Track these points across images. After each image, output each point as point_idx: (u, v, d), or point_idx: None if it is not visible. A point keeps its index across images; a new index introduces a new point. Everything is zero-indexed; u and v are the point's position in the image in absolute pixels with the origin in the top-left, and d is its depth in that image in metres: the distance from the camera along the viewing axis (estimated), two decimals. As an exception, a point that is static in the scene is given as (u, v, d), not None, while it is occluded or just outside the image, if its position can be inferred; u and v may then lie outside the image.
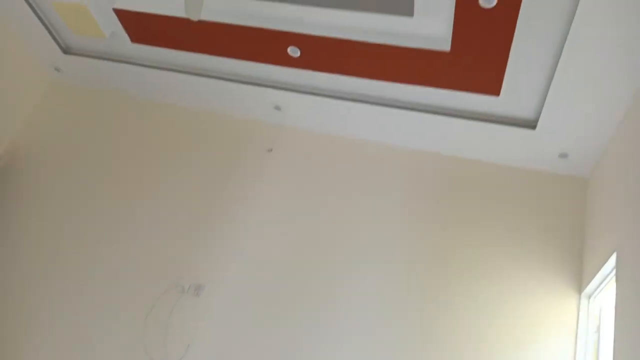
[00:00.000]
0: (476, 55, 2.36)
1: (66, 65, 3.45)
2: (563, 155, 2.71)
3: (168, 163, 3.31)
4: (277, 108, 3.10)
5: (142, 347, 2.75)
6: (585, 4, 1.93)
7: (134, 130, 3.49)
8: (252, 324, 2.76)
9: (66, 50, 3.34)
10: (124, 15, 2.86)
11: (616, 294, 2.05)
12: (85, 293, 2.97)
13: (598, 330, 2.45)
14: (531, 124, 2.62)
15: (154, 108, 3.52)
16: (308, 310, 2.76)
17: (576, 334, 2.48)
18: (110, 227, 3.16)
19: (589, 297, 2.54)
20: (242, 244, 2.98)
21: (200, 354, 2.73)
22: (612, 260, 2.14)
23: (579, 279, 2.59)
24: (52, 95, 3.75)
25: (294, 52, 2.65)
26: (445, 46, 2.36)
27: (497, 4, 2.08)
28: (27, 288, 3.04)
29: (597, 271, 2.30)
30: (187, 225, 3.06)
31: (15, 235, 3.22)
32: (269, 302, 2.80)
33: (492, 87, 2.48)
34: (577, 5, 1.94)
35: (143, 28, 2.93)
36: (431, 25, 2.33)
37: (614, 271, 2.13)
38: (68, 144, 3.55)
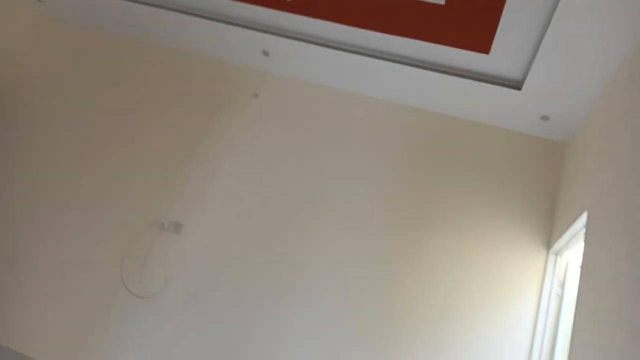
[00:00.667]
0: (469, 11, 2.34)
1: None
2: (545, 118, 2.76)
3: (152, 103, 3.26)
4: (265, 53, 3.05)
5: (119, 279, 2.79)
6: None
7: (117, 69, 3.40)
8: (228, 264, 2.81)
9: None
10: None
11: (584, 252, 2.14)
12: (65, 224, 2.98)
13: (562, 285, 2.57)
14: (517, 85, 2.65)
15: (139, 47, 3.43)
16: (283, 254, 2.81)
17: (541, 288, 2.61)
18: (93, 162, 3.13)
19: (557, 253, 2.65)
20: (223, 186, 2.99)
21: (177, 289, 2.79)
22: (583, 219, 2.22)
23: (549, 237, 2.70)
24: (34, 28, 3.61)
25: (286, -6, 2.59)
26: (440, -1, 2.34)
27: (496, -43, 2.06)
28: (9, 217, 3.03)
29: (567, 229, 2.40)
30: (170, 165, 3.06)
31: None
32: (245, 244, 2.85)
33: (483, 44, 2.48)
34: None
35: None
36: (428, -24, 2.29)
37: (584, 230, 2.22)
38: (49, 77, 3.46)
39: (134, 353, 2.68)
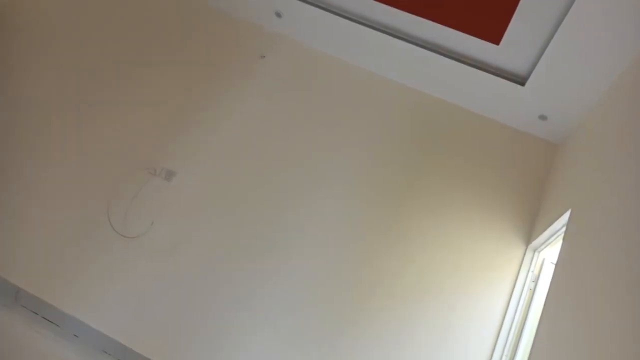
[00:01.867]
0: (487, -2, 2.37)
1: None
2: (542, 117, 2.80)
3: (158, 50, 3.24)
4: (278, 15, 3.03)
5: (106, 216, 2.80)
6: None
7: (125, 12, 3.37)
8: (214, 215, 2.83)
9: None
10: None
11: (560, 249, 2.20)
12: (60, 156, 2.98)
13: (536, 280, 2.64)
14: (521, 81, 2.68)
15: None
16: (269, 214, 2.84)
17: (515, 281, 2.67)
18: (94, 101, 3.12)
19: (535, 249, 2.71)
20: (219, 141, 3.00)
21: (161, 233, 2.81)
22: (565, 217, 2.28)
23: (530, 233, 2.76)
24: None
25: (308, -45, 2.58)
26: (459, -18, 2.35)
27: (521, -54, 2.07)
28: (4, 143, 3.02)
29: (548, 226, 2.46)
30: (169, 114, 3.06)
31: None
32: (234, 199, 2.87)
33: (494, 34, 2.50)
34: None
35: None
36: (451, -43, 2.30)
37: (564, 228, 2.28)
38: (64, 12, 3.41)
39: (110, 288, 2.71)
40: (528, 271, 2.65)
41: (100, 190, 2.87)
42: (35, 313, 2.67)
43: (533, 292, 2.59)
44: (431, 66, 2.82)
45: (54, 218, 2.84)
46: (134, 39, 3.28)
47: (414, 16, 2.62)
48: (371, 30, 2.79)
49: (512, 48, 2.54)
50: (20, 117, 3.09)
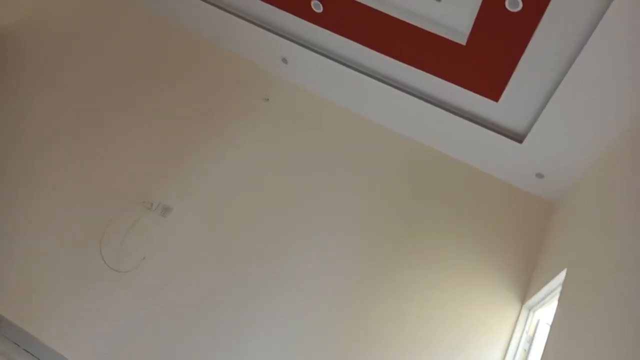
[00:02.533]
0: (487, 56, 2.42)
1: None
2: (539, 176, 2.81)
3: (163, 83, 3.31)
4: (284, 60, 3.11)
5: (98, 249, 2.77)
6: (598, 34, 1.99)
7: (137, 43, 3.47)
8: (208, 254, 2.80)
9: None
10: None
11: (556, 310, 2.16)
12: (55, 185, 2.98)
13: (531, 341, 2.58)
14: (519, 138, 2.71)
15: (162, 27, 3.50)
16: (263, 256, 2.81)
17: (509, 341, 2.60)
18: (94, 131, 3.16)
19: (530, 309, 2.66)
20: (217, 180, 3.00)
21: (153, 269, 2.77)
22: (561, 277, 2.25)
23: (525, 292, 2.71)
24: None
25: (317, 7, 2.67)
26: (462, 39, 2.41)
27: (522, 9, 2.14)
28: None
29: (544, 285, 2.42)
30: (170, 149, 3.08)
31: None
32: (229, 238, 2.85)
33: (494, 91, 2.55)
34: (592, 32, 2.01)
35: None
36: (454, 15, 2.37)
37: (560, 288, 2.25)
38: (71, 37, 3.51)
39: (99, 322, 2.65)
40: (522, 331, 2.59)
41: (94, 221, 2.86)
42: (17, 344, 2.61)
43: (527, 353, 2.52)
44: (430, 118, 2.86)
45: (45, 247, 2.82)
46: (136, 74, 3.35)
47: (415, 69, 2.68)
48: (373, 80, 2.85)
49: (511, 105, 2.58)
50: (17, 146, 3.11)
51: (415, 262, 2.78)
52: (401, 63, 2.71)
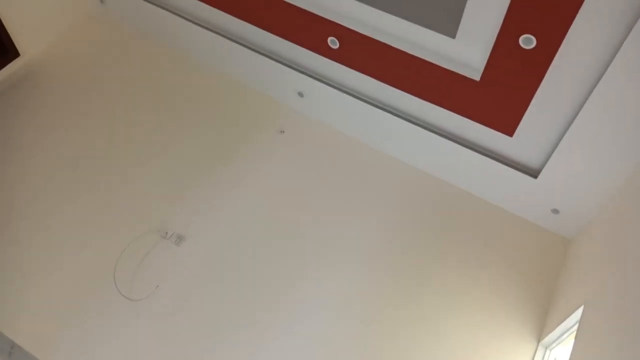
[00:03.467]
0: (501, 91, 2.46)
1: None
2: (555, 211, 2.80)
3: (179, 115, 3.38)
4: (301, 94, 3.18)
5: (111, 276, 2.78)
6: (613, 70, 2.02)
7: (153, 74, 3.57)
8: (221, 285, 2.79)
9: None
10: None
11: (572, 348, 2.12)
12: (72, 211, 3.02)
13: (547, 380, 2.52)
14: (534, 173, 2.71)
15: (181, 60, 3.60)
16: (274, 289, 2.79)
17: (526, 380, 2.55)
18: (110, 162, 3.21)
19: (546, 347, 2.60)
20: (231, 208, 3.03)
21: (166, 298, 2.76)
22: (578, 314, 2.21)
23: (541, 329, 2.66)
24: (88, 24, 3.83)
25: (333, 43, 2.74)
26: (476, 75, 2.45)
27: (535, 46, 2.19)
28: (15, 195, 3.08)
29: (560, 323, 2.38)
30: (182, 178, 3.12)
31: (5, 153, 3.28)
32: (242, 270, 2.84)
33: (508, 126, 2.57)
34: (607, 68, 2.03)
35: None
36: (469, 52, 2.42)
37: (577, 325, 2.21)
38: (87, 74, 3.62)
39: (111, 349, 2.62)
40: (539, 370, 2.53)
41: (108, 249, 2.87)
42: (28, 372, 2.60)
43: (544, 393, 2.46)
44: (445, 152, 2.88)
45: (58, 273, 2.83)
46: (152, 104, 3.44)
47: (430, 104, 2.72)
48: (388, 114, 2.89)
49: (526, 141, 2.60)
50: (32, 169, 3.17)
51: (428, 297, 2.75)
52: (417, 98, 2.75)
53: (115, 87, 3.54)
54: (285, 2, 2.74)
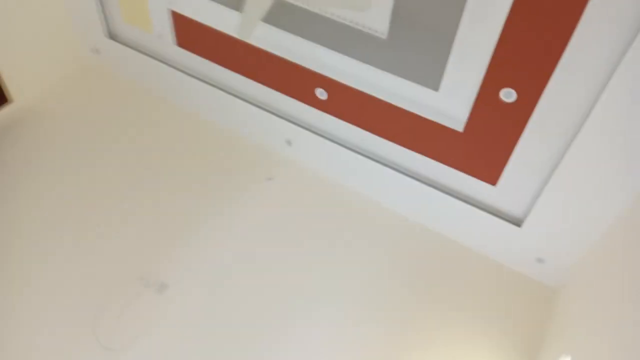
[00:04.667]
0: (484, 142, 2.54)
1: (106, 49, 3.60)
2: (540, 261, 2.81)
3: (166, 163, 3.35)
4: (289, 143, 3.24)
5: (90, 324, 2.69)
6: (592, 121, 2.07)
7: (143, 125, 3.57)
8: (203, 337, 2.71)
9: (111, 35, 3.50)
10: (178, 18, 3.06)
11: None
12: (49, 264, 2.94)
13: None
14: (518, 222, 2.75)
15: (172, 109, 3.63)
16: (257, 343, 2.72)
17: None
18: (91, 209, 3.16)
19: (535, 399, 2.56)
20: (217, 257, 2.97)
21: (147, 348, 2.66)
22: (565, 364, 2.20)
23: (529, 380, 2.63)
24: (82, 74, 3.87)
25: (321, 94, 2.83)
26: (459, 127, 2.53)
27: (516, 99, 2.29)
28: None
29: (548, 373, 2.36)
30: (165, 226, 3.07)
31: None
32: (223, 322, 2.77)
33: (491, 175, 2.64)
34: (587, 118, 2.07)
35: (192, 35, 3.12)
36: (452, 104, 2.51)
37: (565, 376, 2.19)
38: (76, 123, 3.61)
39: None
40: (529, 423, 2.48)
41: (87, 298, 2.79)
42: None
43: None
44: (430, 201, 2.91)
45: (35, 323, 2.74)
46: (140, 150, 3.40)
47: (416, 153, 2.79)
48: (376, 163, 2.95)
49: (509, 189, 2.65)
50: (13, 217, 3.13)
51: (413, 350, 2.70)
52: (402, 147, 2.83)
53: (105, 137, 3.54)
54: (274, 55, 2.85)
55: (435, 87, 2.52)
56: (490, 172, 2.69)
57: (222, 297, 2.85)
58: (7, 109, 3.58)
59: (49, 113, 3.69)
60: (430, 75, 2.50)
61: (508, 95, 2.35)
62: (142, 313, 2.76)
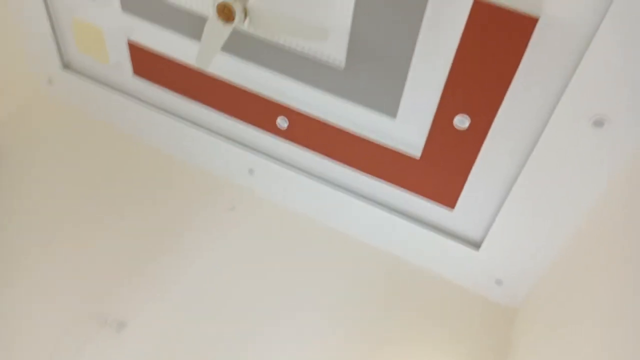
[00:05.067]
0: (440, 168, 2.60)
1: (60, 79, 3.52)
2: (499, 282, 2.87)
3: (124, 195, 3.29)
4: (251, 172, 3.23)
5: (44, 366, 2.56)
6: (543, 142, 2.13)
7: (99, 157, 3.49)
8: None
9: (65, 65, 3.45)
10: (135, 49, 3.04)
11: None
12: (1, 304, 2.80)
13: None
14: (476, 245, 2.83)
15: (129, 141, 3.56)
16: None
17: None
18: (44, 244, 3.05)
19: (500, 422, 2.58)
20: (176, 291, 2.90)
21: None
22: (528, 384, 2.23)
23: (494, 402, 2.64)
24: (36, 105, 3.78)
25: (282, 122, 2.85)
26: (417, 153, 2.60)
27: (468, 127, 2.37)
28: None
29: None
30: (123, 260, 2.98)
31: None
32: (189, 357, 2.70)
33: (449, 200, 2.70)
34: (538, 140, 2.14)
35: (149, 64, 3.10)
36: (409, 131, 2.58)
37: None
38: (28, 156, 3.51)
39: None
40: None
41: (43, 338, 2.66)
42: None
43: None
44: (391, 226, 2.94)
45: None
46: (96, 182, 3.31)
47: (375, 180, 2.83)
48: (336, 191, 2.97)
49: (466, 213, 2.72)
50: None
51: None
52: (362, 174, 2.86)
53: (58, 170, 3.43)
54: (233, 84, 2.86)
55: (393, 114, 2.59)
56: (448, 197, 2.76)
57: (183, 334, 2.76)
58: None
59: (0, 146, 3.57)
60: (388, 103, 2.57)
61: (462, 121, 2.43)
62: (99, 352, 2.65)
